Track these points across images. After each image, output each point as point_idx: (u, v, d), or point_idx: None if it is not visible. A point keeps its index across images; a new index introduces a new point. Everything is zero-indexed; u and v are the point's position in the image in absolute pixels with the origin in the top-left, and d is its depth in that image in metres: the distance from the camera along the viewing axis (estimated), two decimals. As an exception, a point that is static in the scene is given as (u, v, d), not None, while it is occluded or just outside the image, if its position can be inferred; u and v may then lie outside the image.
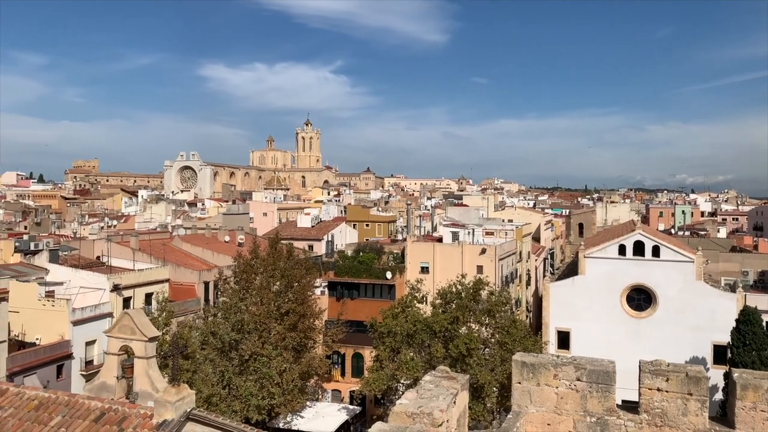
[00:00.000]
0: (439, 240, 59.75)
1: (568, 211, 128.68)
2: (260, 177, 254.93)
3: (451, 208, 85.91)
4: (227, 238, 64.13)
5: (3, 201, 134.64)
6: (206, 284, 49.35)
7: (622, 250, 47.56)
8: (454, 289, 37.45)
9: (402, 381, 34.60)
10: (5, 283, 33.41)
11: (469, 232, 58.94)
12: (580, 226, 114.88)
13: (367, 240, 77.66)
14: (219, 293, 43.68)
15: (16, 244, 51.77)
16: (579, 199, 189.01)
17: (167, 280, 45.71)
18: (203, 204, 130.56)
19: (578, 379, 9.55)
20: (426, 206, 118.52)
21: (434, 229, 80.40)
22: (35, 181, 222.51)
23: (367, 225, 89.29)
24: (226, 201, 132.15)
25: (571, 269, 56.84)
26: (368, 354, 44.81)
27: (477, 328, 36.10)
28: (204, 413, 13.20)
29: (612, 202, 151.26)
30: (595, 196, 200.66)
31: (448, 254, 53.71)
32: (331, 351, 46.51)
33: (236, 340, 34.91)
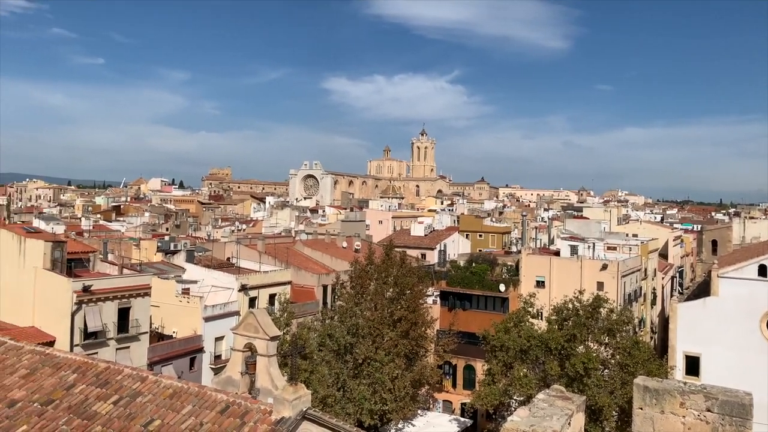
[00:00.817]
0: (556, 253, 57.66)
1: (699, 226, 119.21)
2: (377, 186, 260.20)
3: (570, 220, 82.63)
4: (345, 244, 65.98)
5: (149, 204, 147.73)
6: (324, 288, 51.02)
7: (762, 270, 43.24)
8: (570, 306, 35.94)
9: (514, 397, 33.67)
10: (149, 279, 36.51)
11: (588, 246, 56.36)
12: (714, 243, 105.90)
13: (479, 251, 76.67)
14: (336, 297, 44.99)
15: (159, 244, 56.54)
16: (713, 213, 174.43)
17: (289, 283, 47.77)
18: (324, 211, 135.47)
19: (708, 410, 8.78)
20: (543, 218, 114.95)
21: (551, 241, 77.77)
22: (176, 186, 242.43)
23: (480, 235, 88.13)
24: (345, 208, 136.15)
25: (703, 289, 52.56)
26: (480, 367, 44.10)
27: (595, 347, 34.37)
28: (319, 413, 13.62)
29: (751, 217, 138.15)
30: (731, 210, 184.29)
31: (565, 268, 51.68)
32: (443, 361, 46.27)
33: (351, 344, 35.71)
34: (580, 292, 37.29)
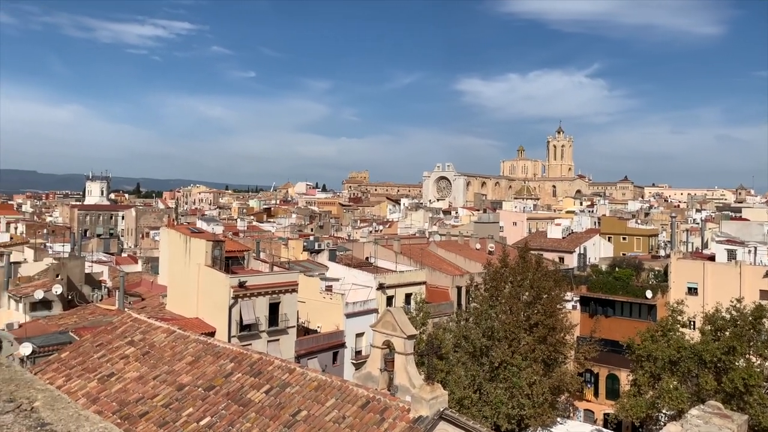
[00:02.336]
0: (711, 258, 52.65)
1: None
2: (510, 186, 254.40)
3: (727, 222, 75.07)
4: (478, 246, 65.26)
5: (296, 207, 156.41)
6: (459, 289, 50.80)
7: None
8: (728, 315, 32.61)
9: (663, 411, 31.24)
10: (296, 276, 38.62)
11: (749, 251, 50.85)
12: None
13: (623, 254, 72.05)
14: (470, 299, 44.56)
15: (304, 243, 59.67)
16: None
17: (424, 283, 48.15)
18: (456, 212, 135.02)
19: None
20: (694, 219, 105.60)
21: (704, 245, 71.15)
22: (320, 190, 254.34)
23: (623, 238, 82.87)
24: (478, 210, 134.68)
25: None
26: (624, 376, 41.45)
27: (758, 362, 30.89)
28: (456, 414, 13.54)
29: None
30: None
31: (721, 274, 47.03)
32: (584, 369, 44.08)
33: (487, 347, 35.16)
34: (739, 301, 33.72)
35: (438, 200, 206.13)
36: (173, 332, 23.07)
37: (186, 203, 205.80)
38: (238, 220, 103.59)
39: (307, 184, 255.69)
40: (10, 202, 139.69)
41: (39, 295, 31.12)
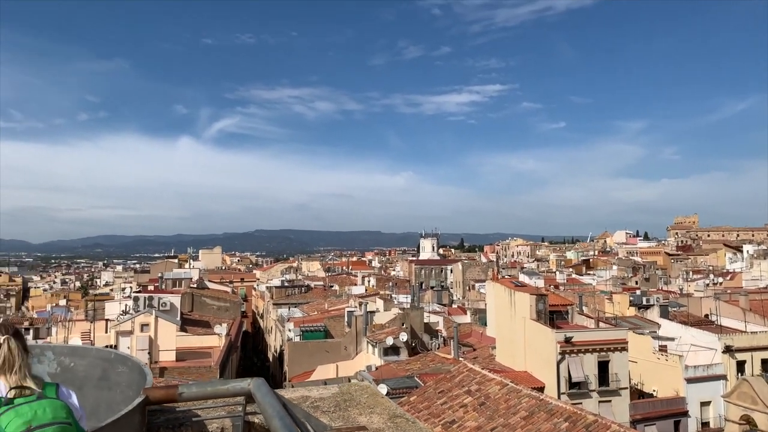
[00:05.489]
0: None
1: None
2: None
3: None
4: None
5: (616, 258, 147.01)
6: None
7: None
8: None
9: None
10: (624, 333, 35.85)
11: None
12: None
13: None
14: None
15: (630, 298, 55.26)
16: None
17: (788, 347, 39.64)
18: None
19: None
20: None
21: None
22: (641, 238, 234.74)
23: None
24: None
25: None
26: None
27: None
28: None
29: None
30: None
31: None
32: None
33: None
34: None
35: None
36: (506, 385, 23.46)
37: (505, 256, 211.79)
38: (557, 272, 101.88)
39: (627, 233, 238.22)
40: (362, 259, 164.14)
41: (389, 341, 35.28)
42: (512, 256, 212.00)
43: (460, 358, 31.12)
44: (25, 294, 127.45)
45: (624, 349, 34.08)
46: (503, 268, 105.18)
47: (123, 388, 4.13)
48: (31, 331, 55.72)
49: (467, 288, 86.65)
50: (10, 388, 2.40)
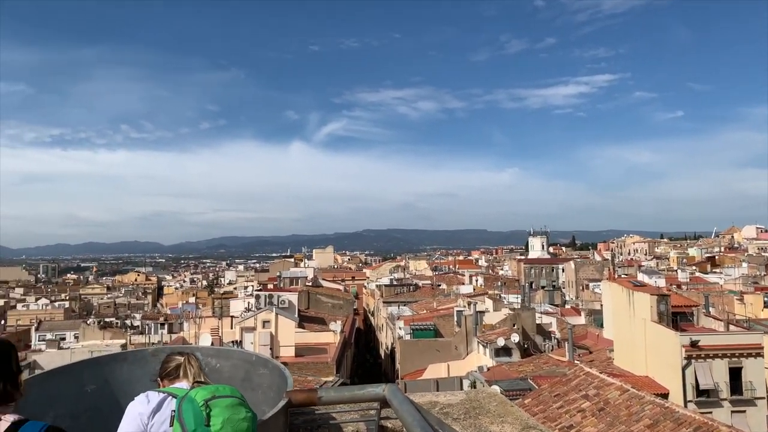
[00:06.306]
0: None
1: None
2: None
3: None
4: None
5: (745, 254, 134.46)
6: None
7: None
8: None
9: None
10: (759, 338, 32.65)
11: None
12: None
13: None
14: None
15: (765, 299, 50.35)
16: None
17: None
18: None
19: None
20: None
21: None
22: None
23: None
24: None
25: None
26: None
27: None
28: None
29: None
30: None
31: None
32: None
33: None
34: None
35: None
36: (627, 390, 22.24)
37: (621, 254, 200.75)
38: (678, 271, 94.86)
39: (758, 227, 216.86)
40: (469, 258, 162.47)
41: (501, 342, 34.63)
42: (628, 253, 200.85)
43: (576, 361, 29.96)
44: (159, 292, 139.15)
45: (759, 354, 31.06)
46: (619, 267, 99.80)
47: (264, 389, 4.38)
48: (166, 326, 60.81)
49: (580, 288, 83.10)
50: (194, 381, 3.11)
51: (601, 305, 44.20)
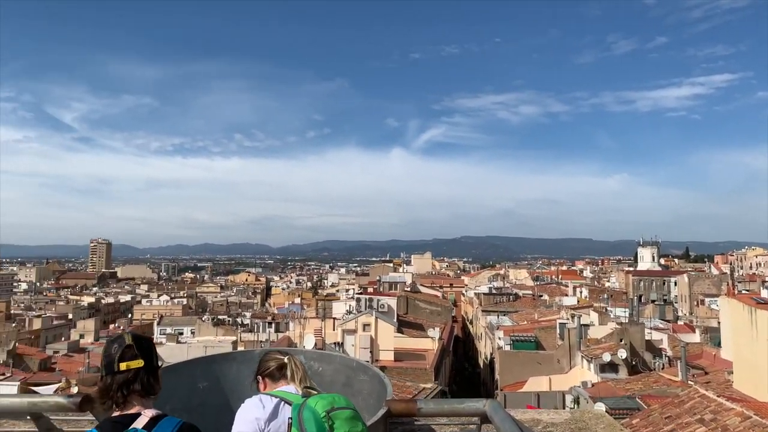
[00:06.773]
0: None
1: None
2: None
3: None
4: None
5: None
6: None
7: None
8: None
9: None
10: None
11: None
12: None
13: None
14: None
15: None
16: None
17: None
18: None
19: None
20: None
21: None
22: None
23: None
24: None
25: None
26: None
27: None
28: None
29: None
30: None
31: None
32: None
33: None
34: None
35: None
36: (749, 417, 20.33)
37: (741, 268, 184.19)
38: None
39: None
40: (572, 268, 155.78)
41: (606, 357, 32.79)
42: (750, 267, 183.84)
43: (690, 382, 27.77)
44: (267, 292, 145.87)
45: None
46: (739, 282, 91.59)
47: (364, 396, 4.40)
48: (273, 325, 63.49)
49: (695, 303, 77.02)
50: (304, 387, 3.00)
51: (719, 323, 40.69)
